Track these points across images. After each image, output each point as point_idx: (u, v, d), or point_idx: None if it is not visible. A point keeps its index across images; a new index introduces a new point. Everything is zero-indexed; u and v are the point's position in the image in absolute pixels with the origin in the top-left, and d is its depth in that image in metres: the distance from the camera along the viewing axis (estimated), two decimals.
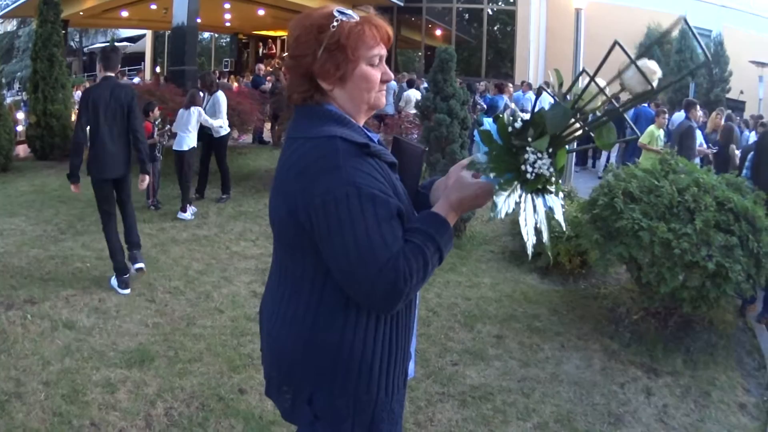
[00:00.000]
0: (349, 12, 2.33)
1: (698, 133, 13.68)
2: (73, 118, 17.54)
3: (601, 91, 2.19)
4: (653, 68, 2.11)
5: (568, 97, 2.30)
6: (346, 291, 2.28)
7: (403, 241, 2.23)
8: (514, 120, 2.31)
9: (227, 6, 31.62)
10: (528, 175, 2.23)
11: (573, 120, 2.27)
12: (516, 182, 2.25)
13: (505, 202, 2.17)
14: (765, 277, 6.63)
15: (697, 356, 6.77)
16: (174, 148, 11.87)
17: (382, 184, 2.25)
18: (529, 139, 2.26)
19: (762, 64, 27.51)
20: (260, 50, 42.09)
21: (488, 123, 2.36)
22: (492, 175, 2.25)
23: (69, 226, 10.31)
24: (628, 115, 14.05)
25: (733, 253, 6.34)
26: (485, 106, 18.02)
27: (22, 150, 17.71)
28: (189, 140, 11.68)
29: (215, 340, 6.40)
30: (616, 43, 2.11)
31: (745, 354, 7.12)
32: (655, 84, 2.12)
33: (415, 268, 2.19)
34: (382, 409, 2.45)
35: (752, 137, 14.92)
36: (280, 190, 2.36)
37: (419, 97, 13.43)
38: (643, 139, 13.28)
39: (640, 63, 2.11)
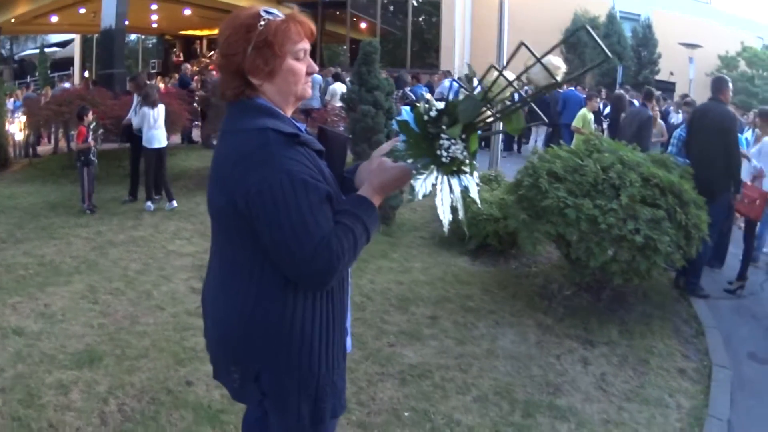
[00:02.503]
0: (275, 11, 2.53)
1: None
2: (7, 126, 17.42)
3: (510, 84, 2.44)
4: (557, 64, 2.37)
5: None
6: (284, 271, 2.47)
7: (333, 223, 2.45)
8: (429, 109, 2.54)
9: (154, 7, 31.45)
10: (443, 159, 2.47)
11: (484, 109, 2.51)
12: (432, 166, 2.48)
13: (422, 185, 2.41)
14: (696, 247, 6.93)
15: (633, 326, 7.05)
16: (152, 146, 12.19)
17: (312, 171, 2.45)
18: (444, 127, 2.50)
19: (692, 46, 28.10)
20: (177, 52, 41.81)
21: (405, 112, 2.61)
22: (410, 160, 2.49)
23: (9, 234, 10.31)
24: (557, 100, 14.41)
25: (660, 226, 6.60)
26: (414, 98, 18.22)
27: None
28: (163, 137, 12.25)
29: (159, 336, 6.51)
30: (522, 44, 2.38)
31: (682, 322, 7.41)
32: (559, 78, 2.39)
33: (346, 247, 2.41)
34: (325, 383, 2.65)
35: (680, 118, 15.31)
36: (217, 181, 2.54)
37: (345, 90, 13.55)
38: (576, 123, 13.59)
39: (545, 60, 2.36)
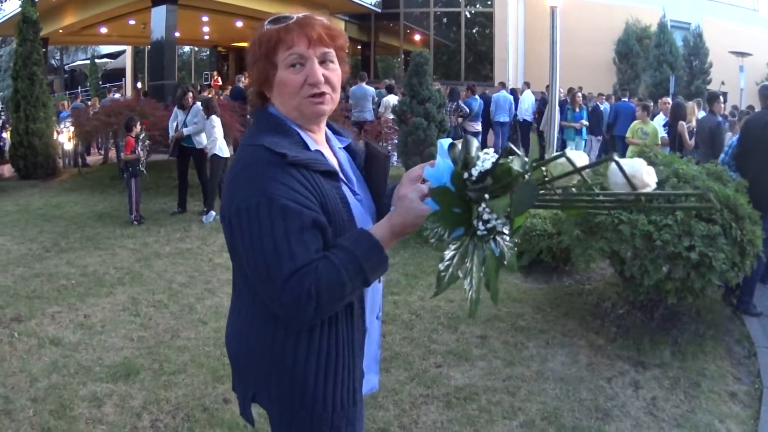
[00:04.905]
0: (287, 16, 2.32)
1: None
2: (55, 136, 17.59)
3: (587, 183, 1.92)
4: (647, 181, 1.82)
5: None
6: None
7: (319, 255, 2.18)
8: (472, 165, 2.07)
9: (205, 19, 31.63)
10: (479, 232, 2.07)
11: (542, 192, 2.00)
12: (466, 237, 2.11)
13: (449, 275, 2.08)
14: (750, 264, 6.66)
15: (685, 347, 6.77)
16: (223, 154, 12.40)
17: (301, 195, 2.19)
18: (487, 196, 2.03)
19: (742, 54, 27.71)
20: (216, 76, 41.96)
21: (440, 148, 2.17)
22: (440, 230, 2.08)
23: (53, 243, 10.36)
24: (607, 113, 14.18)
25: (716, 242, 6.31)
26: (468, 111, 18.09)
27: (6, 170, 17.73)
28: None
29: (199, 351, 6.41)
30: (612, 160, 1.78)
31: (734, 342, 7.11)
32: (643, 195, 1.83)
33: (324, 286, 2.11)
34: (322, 423, 2.41)
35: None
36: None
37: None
38: (628, 134, 13.63)
39: (636, 172, 1.80)
